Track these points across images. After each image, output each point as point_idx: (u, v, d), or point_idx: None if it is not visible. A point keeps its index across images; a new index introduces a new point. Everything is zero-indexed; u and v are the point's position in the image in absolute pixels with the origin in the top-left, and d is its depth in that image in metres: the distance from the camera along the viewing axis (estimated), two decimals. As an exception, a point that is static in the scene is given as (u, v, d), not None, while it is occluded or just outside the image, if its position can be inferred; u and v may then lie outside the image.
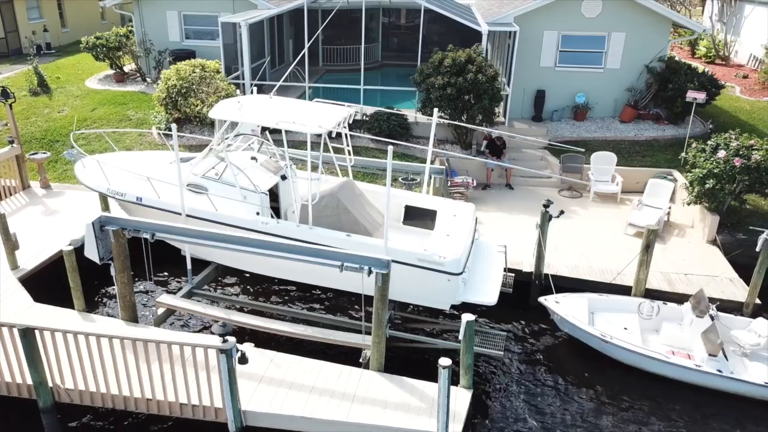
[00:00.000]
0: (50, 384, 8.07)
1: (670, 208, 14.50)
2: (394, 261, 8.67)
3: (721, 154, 12.98)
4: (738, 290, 11.79)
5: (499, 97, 16.17)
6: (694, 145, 14.02)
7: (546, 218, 11.62)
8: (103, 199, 13.06)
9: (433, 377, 9.18)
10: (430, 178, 12.02)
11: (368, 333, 9.77)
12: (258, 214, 10.22)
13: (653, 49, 18.11)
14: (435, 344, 9.92)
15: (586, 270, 12.35)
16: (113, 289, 12.28)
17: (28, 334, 7.62)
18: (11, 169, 14.39)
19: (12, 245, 11.07)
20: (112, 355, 7.73)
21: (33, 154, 15.00)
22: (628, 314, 11.20)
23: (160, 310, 9.98)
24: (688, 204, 13.78)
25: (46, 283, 11.30)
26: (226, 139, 10.75)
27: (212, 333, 7.28)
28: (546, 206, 11.56)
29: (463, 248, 9.69)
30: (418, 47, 17.80)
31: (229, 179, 10.29)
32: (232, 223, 10.01)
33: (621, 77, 18.43)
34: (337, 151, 11.65)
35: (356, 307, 11.72)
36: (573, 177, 16.17)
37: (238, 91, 16.77)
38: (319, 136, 9.88)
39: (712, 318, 10.56)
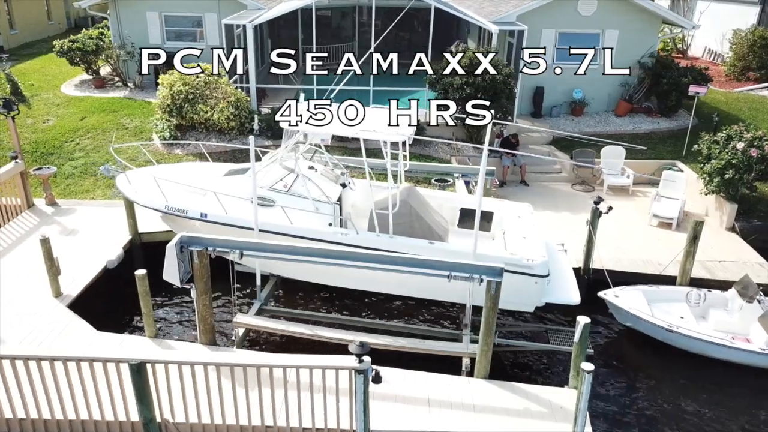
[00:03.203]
0: (158, 419, 7.55)
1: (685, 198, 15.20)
2: None
3: (740, 145, 13.71)
4: (770, 274, 12.53)
5: (513, 95, 16.41)
6: (707, 137, 14.73)
7: (596, 215, 11.91)
8: (131, 214, 12.36)
9: (527, 379, 9.33)
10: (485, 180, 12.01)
11: (454, 340, 9.80)
12: (330, 224, 9.95)
13: (644, 45, 18.89)
14: (540, 348, 9.99)
15: (629, 263, 12.75)
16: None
17: (141, 370, 7.10)
18: (16, 187, 13.31)
19: (55, 271, 10.26)
20: (232, 384, 7.32)
21: (37, 169, 13.94)
22: (677, 303, 11.64)
23: (240, 331, 9.54)
24: (706, 194, 14.50)
25: (91, 308, 10.55)
26: (297, 148, 10.36)
27: (350, 353, 7.03)
28: (597, 203, 11.83)
29: (545, 250, 9.81)
30: (428, 46, 17.77)
31: (299, 191, 9.94)
32: (308, 236, 9.68)
33: (615, 73, 19.13)
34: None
35: (426, 310, 11.63)
36: (585, 171, 16.68)
37: (248, 99, 16.21)
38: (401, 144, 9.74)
39: (759, 302, 11.16)
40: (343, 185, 10.82)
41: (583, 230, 12.93)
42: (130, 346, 9.18)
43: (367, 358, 7.14)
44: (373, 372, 7.26)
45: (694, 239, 11.71)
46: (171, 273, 8.70)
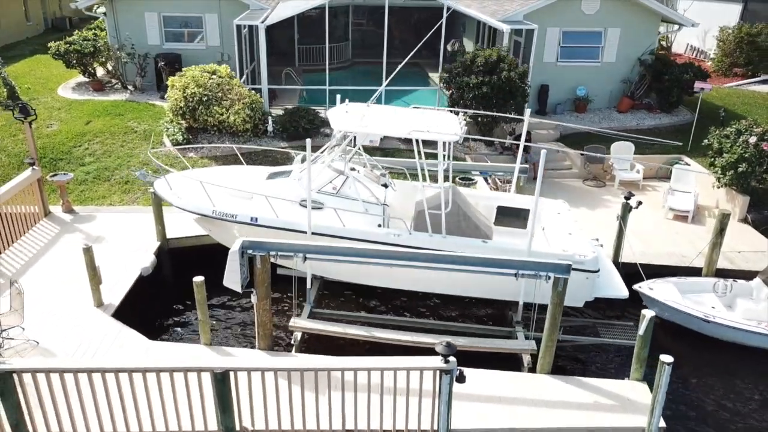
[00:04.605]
0: (237, 428, 7.45)
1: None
2: None
3: (752, 139, 14.17)
4: (789, 263, 12.98)
5: (527, 93, 16.60)
6: (716, 132, 15.17)
7: (627, 210, 12.16)
8: (159, 219, 12.12)
9: (583, 373, 9.48)
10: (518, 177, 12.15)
11: (506, 337, 9.90)
12: (379, 226, 9.94)
13: (644, 43, 19.32)
14: (598, 342, 10.19)
15: (654, 256, 13.06)
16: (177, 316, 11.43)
17: (226, 378, 7.00)
18: (33, 195, 12.90)
19: (98, 280, 10.00)
20: (315, 389, 7.27)
21: (53, 175, 13.54)
22: (706, 294, 11.98)
23: (298, 335, 9.45)
24: (718, 187, 14.94)
25: (131, 316, 10.32)
26: (348, 151, 10.31)
27: (437, 353, 7.06)
28: (627, 198, 12.08)
29: (592, 245, 9.98)
30: (439, 46, 17.80)
31: (348, 192, 9.91)
32: (360, 237, 9.65)
33: (616, 70, 19.51)
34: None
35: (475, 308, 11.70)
36: (596, 167, 16.99)
37: (261, 100, 16.03)
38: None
39: (785, 290, 11.58)
40: (385, 186, 10.81)
41: (601, 225, 13.24)
42: (192, 355, 9.01)
43: (452, 359, 7.19)
44: (458, 372, 7.31)
45: (721, 231, 12.07)
46: (232, 279, 8.57)
